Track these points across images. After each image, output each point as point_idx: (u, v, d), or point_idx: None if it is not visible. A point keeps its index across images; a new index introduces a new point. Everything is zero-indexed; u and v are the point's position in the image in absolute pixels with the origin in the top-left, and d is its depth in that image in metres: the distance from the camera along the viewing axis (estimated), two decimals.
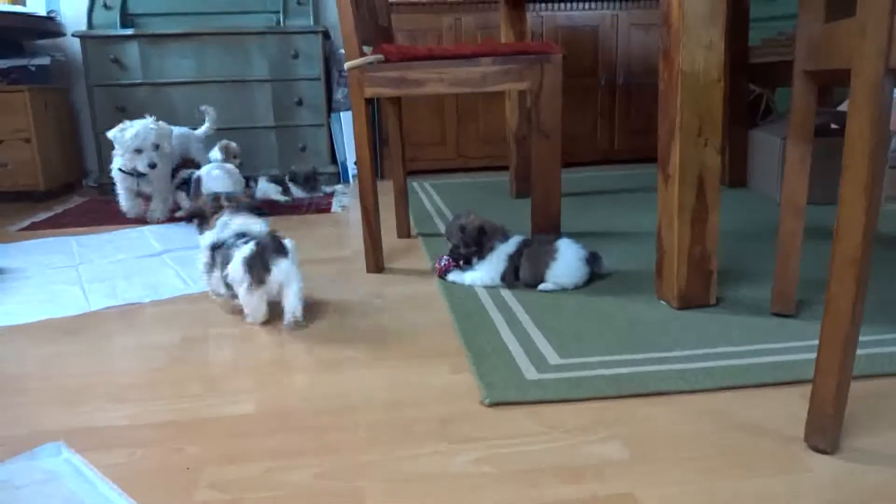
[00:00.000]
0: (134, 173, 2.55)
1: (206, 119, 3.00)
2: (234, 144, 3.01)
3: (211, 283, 1.54)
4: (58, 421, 1.08)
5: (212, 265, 1.51)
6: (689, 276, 1.43)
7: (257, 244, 1.42)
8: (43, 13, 3.45)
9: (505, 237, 1.67)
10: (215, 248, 1.51)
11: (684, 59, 1.32)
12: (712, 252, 1.42)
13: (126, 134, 2.47)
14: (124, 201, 2.64)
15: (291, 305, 1.42)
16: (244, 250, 1.42)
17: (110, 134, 2.51)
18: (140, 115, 3.25)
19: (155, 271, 1.92)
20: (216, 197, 1.62)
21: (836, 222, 0.85)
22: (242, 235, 1.49)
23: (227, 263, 1.45)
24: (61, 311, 1.61)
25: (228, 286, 1.47)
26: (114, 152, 2.56)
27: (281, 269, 1.42)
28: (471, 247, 1.66)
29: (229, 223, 1.54)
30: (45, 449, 0.99)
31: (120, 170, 2.56)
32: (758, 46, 2.77)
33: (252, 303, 1.45)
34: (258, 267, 1.41)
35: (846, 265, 0.84)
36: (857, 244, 0.83)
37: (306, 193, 3.07)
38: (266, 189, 3.07)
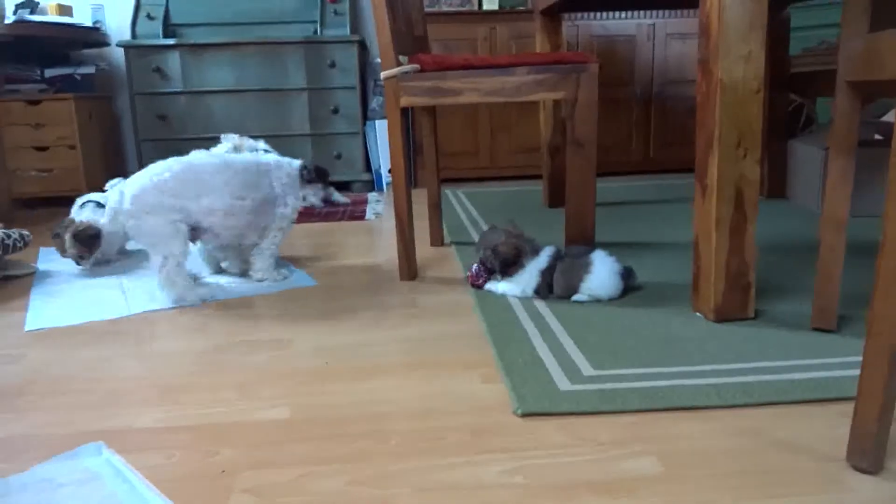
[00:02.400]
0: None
1: None
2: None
3: None
4: (97, 422, 1.10)
5: None
6: (727, 290, 1.41)
7: None
8: (89, 24, 3.55)
9: (535, 252, 1.65)
10: None
11: (723, 70, 1.31)
12: (750, 265, 1.40)
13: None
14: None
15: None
16: None
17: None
18: (180, 124, 3.35)
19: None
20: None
21: (881, 237, 0.83)
22: None
23: None
24: (103, 314, 1.65)
25: None
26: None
27: None
28: (498, 267, 1.66)
29: None
30: (86, 449, 1.01)
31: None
32: (798, 56, 2.73)
33: None
34: None
35: (891, 282, 0.82)
36: None
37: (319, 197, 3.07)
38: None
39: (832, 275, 1.29)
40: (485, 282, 1.72)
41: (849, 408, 0.90)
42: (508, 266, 1.64)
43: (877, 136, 2.50)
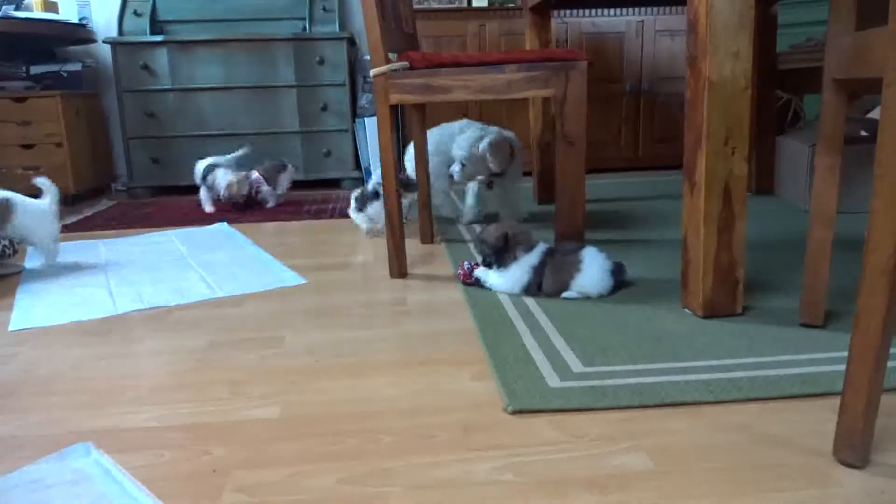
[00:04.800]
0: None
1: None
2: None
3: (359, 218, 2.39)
4: (87, 422, 1.10)
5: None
6: (715, 286, 1.42)
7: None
8: (75, 20, 3.52)
9: (529, 247, 1.65)
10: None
11: (711, 67, 1.32)
12: (739, 261, 1.41)
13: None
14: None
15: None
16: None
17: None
18: (168, 121, 3.33)
19: (181, 276, 1.94)
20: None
21: (867, 233, 0.84)
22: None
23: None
24: (90, 313, 1.64)
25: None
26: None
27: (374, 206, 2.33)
28: (490, 254, 1.64)
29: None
30: (74, 449, 1.00)
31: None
32: (786, 52, 2.74)
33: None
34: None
35: (877, 277, 0.83)
36: (890, 255, 0.81)
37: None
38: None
39: (820, 270, 1.30)
40: (476, 280, 1.72)
41: (837, 402, 0.91)
42: (499, 254, 1.63)
43: (862, 133, 2.52)
